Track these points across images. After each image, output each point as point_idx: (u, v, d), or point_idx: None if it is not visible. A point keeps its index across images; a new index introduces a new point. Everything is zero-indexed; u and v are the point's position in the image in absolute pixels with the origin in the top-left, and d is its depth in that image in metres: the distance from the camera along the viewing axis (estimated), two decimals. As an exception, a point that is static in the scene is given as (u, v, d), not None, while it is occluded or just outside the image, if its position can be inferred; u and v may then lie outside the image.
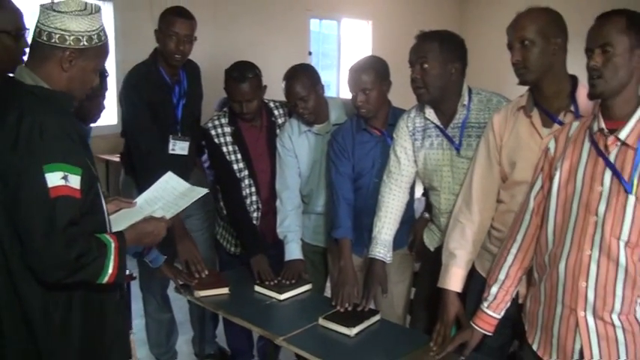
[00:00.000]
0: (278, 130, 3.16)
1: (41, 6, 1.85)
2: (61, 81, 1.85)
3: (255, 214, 3.17)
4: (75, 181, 1.76)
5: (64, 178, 1.73)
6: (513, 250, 2.15)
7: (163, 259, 2.68)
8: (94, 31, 1.85)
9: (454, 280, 2.35)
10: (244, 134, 3.12)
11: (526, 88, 2.23)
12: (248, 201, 3.16)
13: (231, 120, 3.12)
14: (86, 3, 1.87)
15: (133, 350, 2.18)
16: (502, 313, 2.20)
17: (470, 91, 2.56)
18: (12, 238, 1.76)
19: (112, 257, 1.82)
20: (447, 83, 2.48)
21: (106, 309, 1.98)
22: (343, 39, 9.02)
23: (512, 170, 2.25)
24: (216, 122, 3.13)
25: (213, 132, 3.11)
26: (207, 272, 2.96)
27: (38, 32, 1.82)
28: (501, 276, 2.17)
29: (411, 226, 2.98)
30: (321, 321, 2.54)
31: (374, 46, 8.87)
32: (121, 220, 2.21)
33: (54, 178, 1.72)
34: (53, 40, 1.80)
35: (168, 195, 2.48)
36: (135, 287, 3.71)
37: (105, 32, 1.91)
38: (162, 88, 3.17)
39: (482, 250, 2.41)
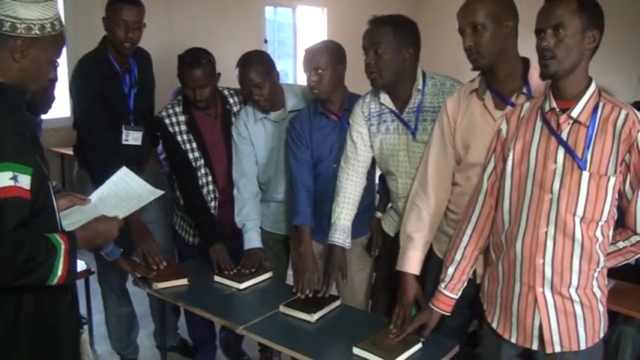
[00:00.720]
0: (233, 118, 3.12)
1: None
2: (13, 72, 1.78)
3: (212, 204, 3.14)
4: (25, 181, 1.70)
5: (13, 178, 1.67)
6: (468, 231, 2.17)
7: (120, 252, 2.63)
8: (47, 19, 1.78)
9: (412, 262, 2.36)
10: (199, 123, 3.08)
11: (480, 71, 2.25)
12: (205, 190, 3.12)
13: (186, 108, 3.07)
14: None
15: (86, 350, 2.13)
16: (459, 294, 2.23)
17: (424, 75, 2.57)
18: None
19: (62, 259, 1.76)
20: (400, 68, 2.49)
21: (57, 310, 1.93)
22: (299, 27, 8.98)
23: (466, 153, 2.27)
24: (170, 111, 3.08)
25: (167, 121, 3.06)
26: (165, 264, 2.93)
27: None
28: (457, 257, 2.20)
29: (370, 216, 2.98)
30: (282, 308, 2.54)
31: (329, 34, 8.83)
32: (73, 216, 2.16)
33: (3, 179, 1.65)
34: (4, 29, 1.73)
35: (123, 193, 2.44)
36: (94, 282, 3.66)
37: (60, 21, 1.84)
38: (113, 77, 3.11)
39: (439, 233, 2.43)
